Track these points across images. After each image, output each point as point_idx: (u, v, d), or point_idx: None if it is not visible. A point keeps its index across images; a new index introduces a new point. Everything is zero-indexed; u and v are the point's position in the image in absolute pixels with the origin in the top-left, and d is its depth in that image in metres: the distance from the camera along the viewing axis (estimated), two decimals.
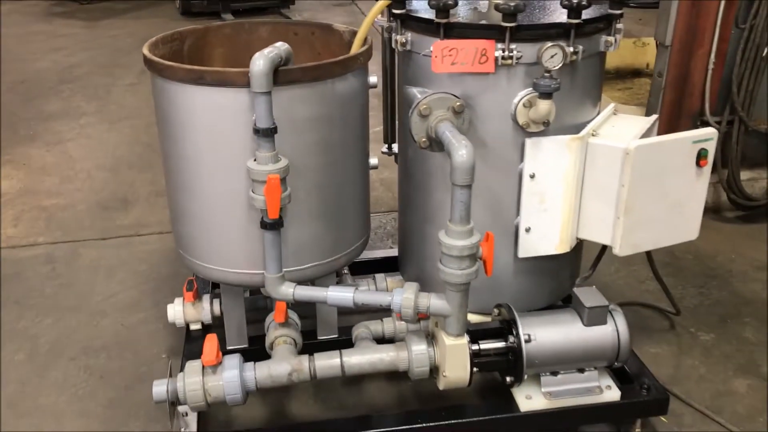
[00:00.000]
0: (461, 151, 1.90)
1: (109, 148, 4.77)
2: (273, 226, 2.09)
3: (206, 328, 2.64)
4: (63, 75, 6.36)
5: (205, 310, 2.60)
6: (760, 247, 3.56)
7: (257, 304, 2.66)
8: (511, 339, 2.22)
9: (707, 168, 2.31)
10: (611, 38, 2.23)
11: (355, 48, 2.33)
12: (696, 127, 3.59)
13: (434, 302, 2.09)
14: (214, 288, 2.81)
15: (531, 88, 2.13)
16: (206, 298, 2.62)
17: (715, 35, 3.45)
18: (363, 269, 2.89)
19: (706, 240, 3.55)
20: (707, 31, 3.46)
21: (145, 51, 2.22)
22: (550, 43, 2.05)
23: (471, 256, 1.99)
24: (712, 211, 3.82)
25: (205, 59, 2.60)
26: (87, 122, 5.23)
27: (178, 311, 2.60)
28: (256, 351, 2.39)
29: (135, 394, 2.61)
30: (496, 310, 2.34)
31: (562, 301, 2.64)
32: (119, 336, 2.93)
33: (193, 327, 2.63)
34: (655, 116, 2.43)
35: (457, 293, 2.05)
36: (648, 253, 2.65)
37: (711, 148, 2.29)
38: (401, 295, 2.08)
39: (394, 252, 3.06)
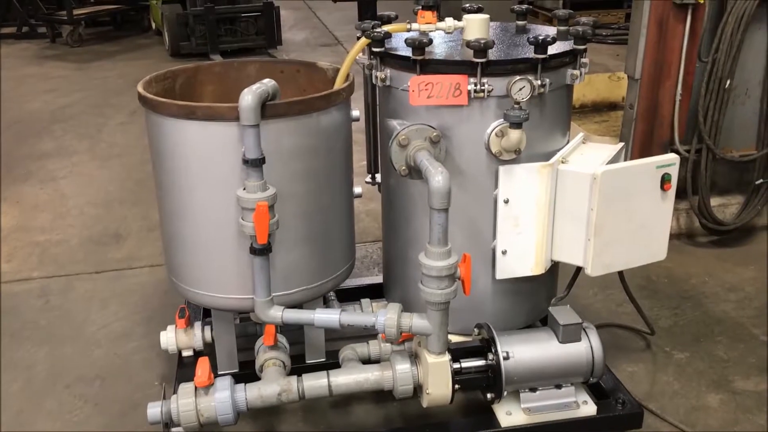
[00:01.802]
0: (437, 177, 2.04)
1: (101, 185, 4.88)
2: (262, 251, 2.21)
3: (197, 355, 2.73)
4: (55, 115, 6.49)
5: (196, 336, 2.69)
6: (731, 270, 3.70)
7: (247, 330, 2.76)
8: (491, 357, 2.33)
9: (671, 191, 2.45)
10: (576, 71, 2.38)
11: (338, 84, 2.48)
12: None
13: (416, 321, 2.20)
14: (205, 316, 2.91)
15: (502, 119, 2.28)
16: (198, 325, 2.71)
17: (681, 69, 3.63)
18: (349, 296, 2.99)
19: (680, 263, 3.71)
20: (673, 64, 3.65)
21: (140, 89, 2.36)
22: (518, 77, 2.21)
23: (449, 276, 2.11)
24: (685, 236, 3.96)
25: (196, 96, 2.73)
26: (79, 160, 5.34)
27: (170, 338, 2.69)
28: (247, 375, 2.48)
29: (129, 420, 2.68)
30: (476, 330, 2.45)
31: (540, 322, 2.75)
32: (113, 365, 3.01)
33: (185, 353, 2.72)
34: (621, 144, 2.58)
35: (437, 312, 2.16)
36: (621, 276, 2.77)
37: (674, 172, 2.43)
38: (384, 315, 2.20)
39: (379, 279, 3.17)
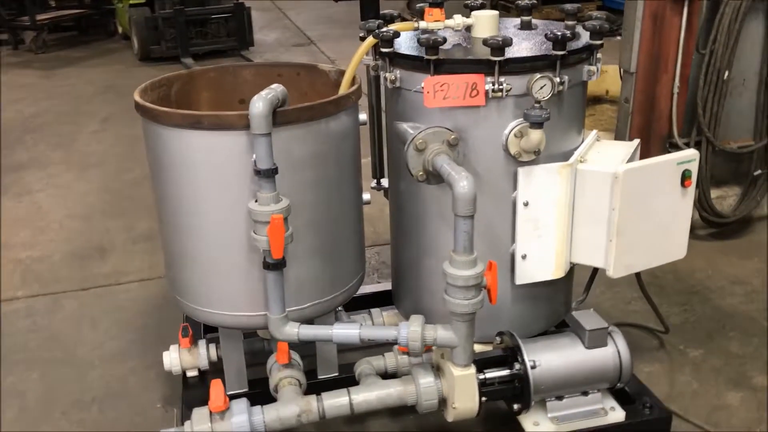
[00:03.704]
0: (462, 182, 1.94)
1: (80, 197, 4.70)
2: (276, 266, 2.09)
3: (202, 375, 2.61)
4: (26, 125, 6.26)
5: (201, 355, 2.56)
6: (734, 262, 3.67)
7: (254, 347, 2.64)
8: (517, 366, 2.24)
9: (691, 188, 2.39)
10: (593, 67, 2.31)
11: (345, 87, 2.37)
12: (666, 150, 3.72)
13: (441, 334, 2.10)
14: (206, 332, 2.79)
15: (521, 119, 2.19)
16: (202, 343, 2.59)
17: (678, 61, 3.58)
18: (353, 305, 2.88)
19: (684, 258, 3.65)
20: (670, 57, 3.60)
21: (138, 98, 2.22)
22: (539, 75, 2.12)
23: (476, 286, 2.02)
24: None
25: (192, 103, 2.60)
26: (55, 172, 5.14)
27: (174, 358, 2.56)
28: (258, 394, 2.36)
29: None
30: (498, 338, 2.37)
31: (555, 327, 2.67)
32: (110, 387, 2.86)
33: (189, 374, 2.59)
34: (637, 141, 2.51)
35: (463, 323, 2.07)
36: (638, 274, 2.71)
37: (694, 168, 2.37)
38: (407, 328, 2.09)
39: (383, 286, 3.08)
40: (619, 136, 3.90)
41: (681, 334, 3.08)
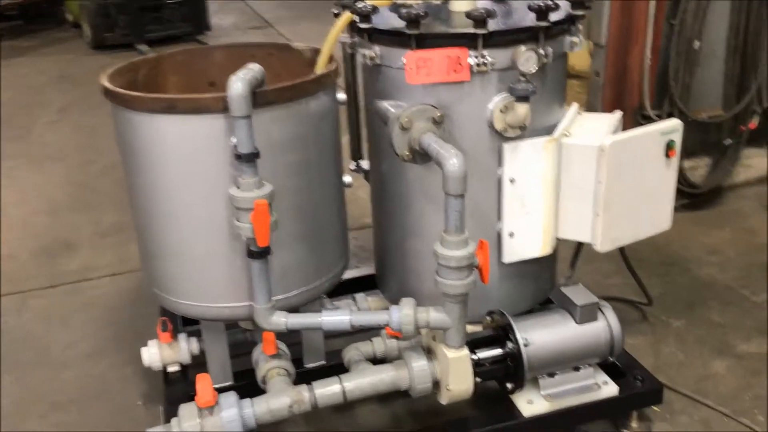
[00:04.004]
0: (452, 160, 1.89)
1: (43, 191, 4.53)
2: (261, 254, 2.02)
3: (184, 369, 2.52)
4: None
5: (182, 349, 2.47)
6: (709, 232, 3.70)
7: (236, 338, 2.56)
8: (509, 345, 2.21)
9: (675, 158, 2.38)
10: (576, 39, 2.27)
11: (322, 66, 2.29)
12: (638, 122, 3.71)
13: (434, 316, 2.05)
14: (185, 325, 2.70)
15: (506, 93, 2.14)
16: (183, 337, 2.49)
17: (648, 32, 3.57)
18: (334, 291, 2.81)
19: None
20: (640, 29, 3.59)
21: (106, 83, 2.11)
22: (524, 47, 2.07)
23: (468, 266, 1.97)
24: None
25: (159, 88, 2.49)
26: (13, 165, 4.94)
27: (153, 354, 2.46)
28: (244, 387, 2.29)
29: None
30: (488, 318, 2.33)
31: (539, 304, 2.64)
32: (87, 387, 2.76)
33: (170, 369, 2.50)
34: (619, 112, 2.48)
35: (456, 305, 2.03)
36: (621, 248, 2.69)
37: (678, 138, 2.35)
38: (400, 312, 2.04)
39: (363, 271, 3.02)
40: (590, 110, 3.87)
41: (662, 306, 3.09)
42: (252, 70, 1.97)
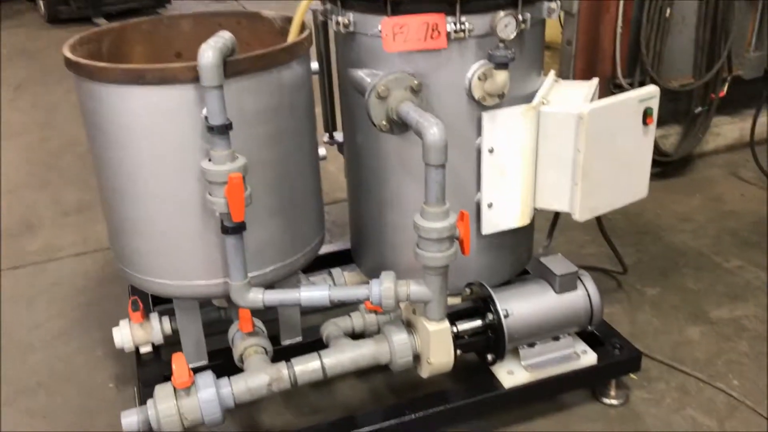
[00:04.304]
0: (432, 129, 1.84)
1: (2, 170, 4.37)
2: (236, 230, 1.96)
3: (156, 349, 2.46)
4: None
5: (155, 329, 2.41)
6: (680, 200, 3.72)
7: (210, 316, 2.50)
8: (489, 316, 2.19)
9: (652, 126, 2.36)
10: (554, 4, 2.22)
11: (294, 34, 2.21)
12: (610, 91, 3.70)
13: (414, 289, 2.02)
14: (155, 304, 2.63)
15: (484, 61, 2.09)
16: (154, 316, 2.43)
17: (620, 1, 3.54)
18: (308, 267, 2.76)
19: None
20: None
21: (69, 54, 2.01)
22: (503, 13, 2.02)
23: (449, 238, 1.94)
24: None
25: (124, 58, 2.39)
26: None
27: (125, 334, 2.39)
28: (220, 366, 2.24)
29: (87, 428, 2.39)
30: (467, 290, 2.30)
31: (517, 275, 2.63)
32: (55, 370, 2.68)
33: (143, 350, 2.44)
34: (596, 80, 2.46)
35: (437, 277, 1.99)
36: (598, 217, 2.68)
37: (655, 105, 2.34)
38: (380, 285, 2.00)
39: (337, 246, 2.98)
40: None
41: (637, 274, 3.10)
42: (223, 38, 1.89)
